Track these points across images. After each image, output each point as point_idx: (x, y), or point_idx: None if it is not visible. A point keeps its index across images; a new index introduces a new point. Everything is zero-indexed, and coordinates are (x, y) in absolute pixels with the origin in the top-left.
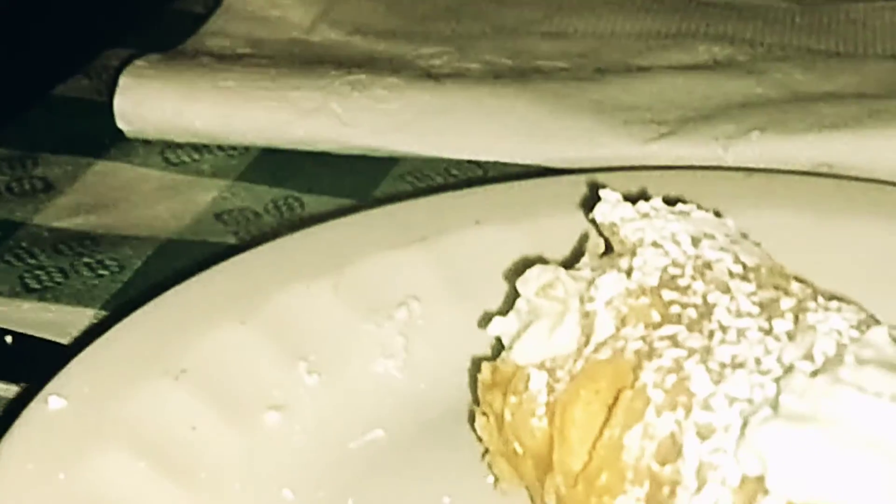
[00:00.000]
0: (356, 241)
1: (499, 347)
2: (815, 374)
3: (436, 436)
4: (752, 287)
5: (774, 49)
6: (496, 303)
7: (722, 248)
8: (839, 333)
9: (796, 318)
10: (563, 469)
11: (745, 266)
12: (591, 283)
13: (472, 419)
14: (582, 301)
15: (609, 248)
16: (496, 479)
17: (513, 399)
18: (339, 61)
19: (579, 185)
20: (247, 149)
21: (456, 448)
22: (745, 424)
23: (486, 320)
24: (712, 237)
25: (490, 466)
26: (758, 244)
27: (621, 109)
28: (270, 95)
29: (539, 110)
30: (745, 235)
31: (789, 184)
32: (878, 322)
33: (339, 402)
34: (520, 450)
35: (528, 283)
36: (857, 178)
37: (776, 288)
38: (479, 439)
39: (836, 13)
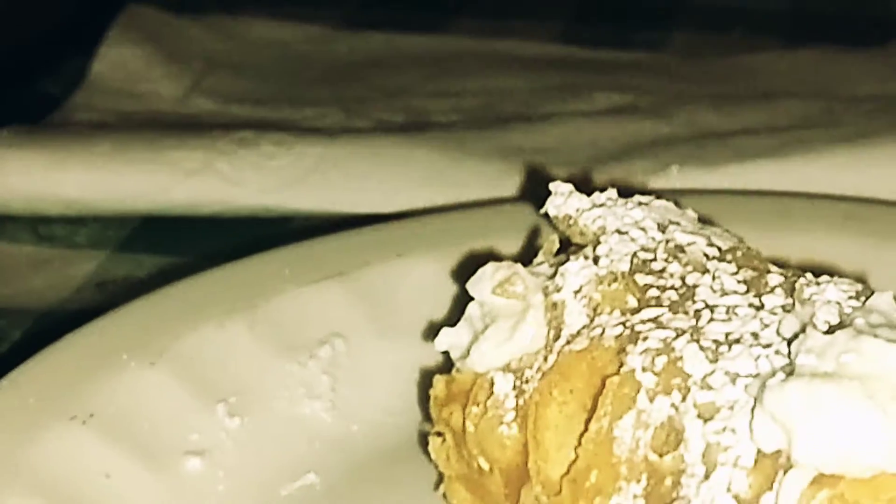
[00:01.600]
0: (272, 278)
1: (447, 365)
2: (831, 331)
3: (373, 478)
4: (732, 267)
5: (676, 95)
6: (424, 339)
7: (693, 233)
8: (839, 304)
9: (788, 294)
10: (541, 477)
11: (720, 249)
12: (552, 276)
13: (424, 444)
14: (546, 293)
15: (564, 245)
16: None
17: (475, 409)
18: (218, 125)
19: (504, 215)
20: (126, 217)
21: (397, 489)
22: (760, 393)
23: (432, 333)
24: (678, 224)
25: (446, 497)
26: (727, 230)
27: (529, 153)
28: (149, 158)
29: (441, 159)
30: (711, 222)
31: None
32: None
33: (265, 446)
34: (486, 466)
35: (482, 282)
36: None
37: (756, 269)
38: (436, 466)
39: (732, 64)
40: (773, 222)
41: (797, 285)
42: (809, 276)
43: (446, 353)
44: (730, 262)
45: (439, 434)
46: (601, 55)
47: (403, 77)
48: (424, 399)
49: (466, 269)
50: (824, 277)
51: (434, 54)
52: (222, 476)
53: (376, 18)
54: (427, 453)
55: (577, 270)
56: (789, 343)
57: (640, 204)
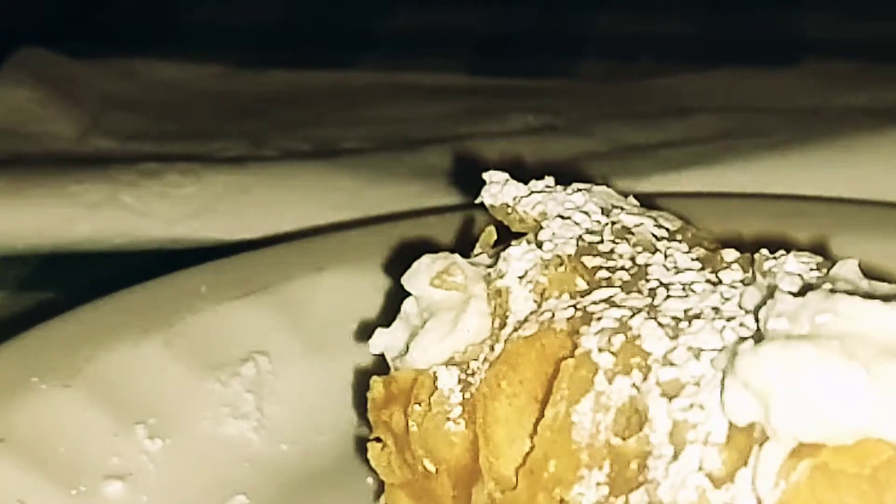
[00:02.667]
0: (188, 295)
1: (383, 371)
2: (801, 293)
3: (307, 498)
4: (684, 246)
5: (593, 115)
6: (351, 353)
7: (639, 215)
8: (800, 276)
9: (746, 269)
10: (493, 474)
11: (668, 230)
12: (493, 265)
13: (363, 451)
14: (488, 281)
15: (502, 236)
16: None
17: (417, 407)
18: (120, 160)
19: (429, 227)
20: (29, 255)
21: None
22: (731, 362)
23: (366, 335)
24: (621, 208)
25: None
26: (672, 213)
27: (446, 174)
28: (49, 192)
29: (356, 181)
30: (655, 207)
31: None
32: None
33: (189, 469)
34: (432, 468)
35: (418, 275)
36: None
37: (708, 248)
38: (376, 475)
39: (646, 86)
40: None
41: (756, 257)
42: (765, 251)
43: (382, 357)
44: (680, 241)
45: (378, 440)
46: (511, 82)
47: (309, 110)
48: (361, 403)
49: (390, 283)
50: (782, 251)
51: (339, 88)
52: (146, 500)
53: (275, 58)
54: (366, 462)
55: (520, 255)
56: (755, 314)
57: (579, 189)
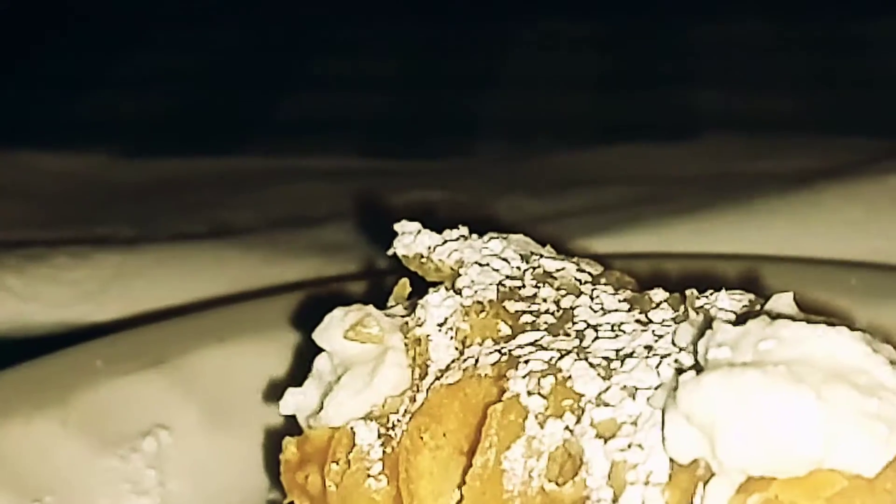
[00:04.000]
0: (83, 370)
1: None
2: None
3: None
4: (610, 289)
5: (491, 191)
6: (256, 424)
7: (560, 260)
8: (734, 313)
9: (676, 308)
10: None
11: (591, 274)
12: (410, 314)
13: None
14: (406, 331)
15: (416, 290)
16: None
17: (335, 466)
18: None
19: (334, 291)
20: None
21: None
22: (671, 396)
23: (274, 398)
24: (540, 255)
25: None
26: (594, 261)
27: (347, 248)
28: None
29: (252, 258)
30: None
31: None
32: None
33: None
34: None
35: (331, 329)
36: None
37: (635, 290)
38: None
39: (545, 162)
40: None
41: (687, 294)
42: (692, 291)
43: (293, 421)
44: (605, 284)
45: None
46: (410, 164)
47: (201, 194)
48: (273, 468)
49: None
50: (712, 290)
51: (232, 173)
52: None
53: (164, 147)
54: None
55: (439, 302)
56: (693, 349)
57: (496, 237)
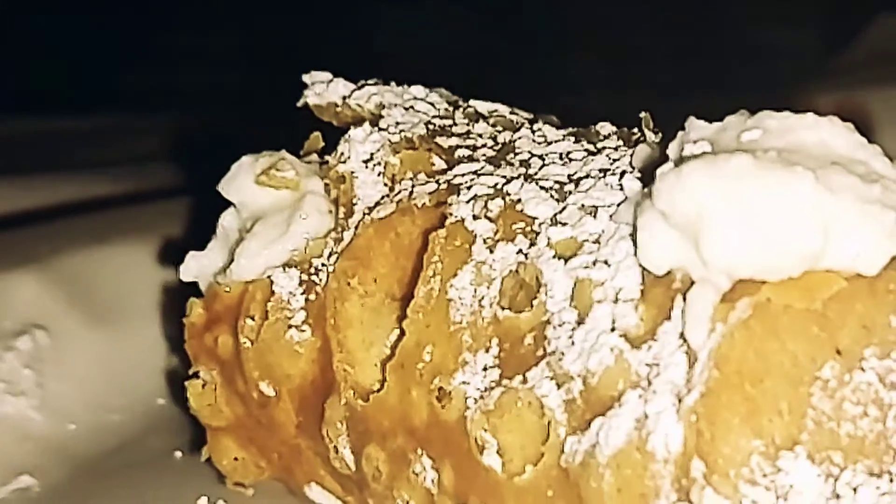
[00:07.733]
0: None
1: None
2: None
3: (100, 476)
4: (550, 126)
5: None
6: (139, 327)
7: (490, 103)
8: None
9: (628, 139)
10: (350, 382)
11: (527, 118)
12: (324, 163)
13: (180, 396)
14: (328, 169)
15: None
16: (227, 477)
17: (249, 321)
18: None
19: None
20: None
21: (130, 485)
22: (646, 193)
23: (174, 261)
24: (468, 105)
25: (211, 460)
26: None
27: None
28: None
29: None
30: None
31: None
32: None
33: None
34: (271, 391)
35: (239, 177)
36: None
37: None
38: (197, 421)
39: None
40: None
41: (642, 117)
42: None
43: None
44: (545, 122)
45: (197, 375)
46: None
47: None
48: (178, 339)
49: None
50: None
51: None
52: None
53: None
54: (185, 409)
55: (363, 138)
56: (662, 157)
57: (418, 85)
